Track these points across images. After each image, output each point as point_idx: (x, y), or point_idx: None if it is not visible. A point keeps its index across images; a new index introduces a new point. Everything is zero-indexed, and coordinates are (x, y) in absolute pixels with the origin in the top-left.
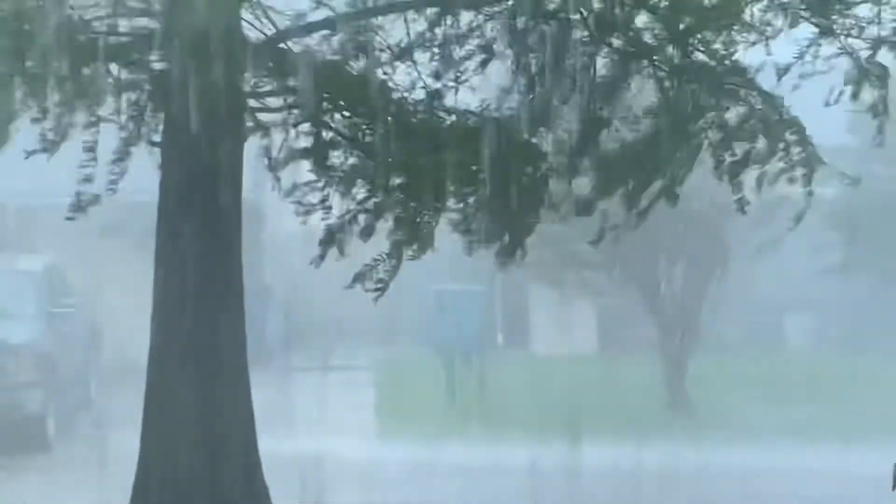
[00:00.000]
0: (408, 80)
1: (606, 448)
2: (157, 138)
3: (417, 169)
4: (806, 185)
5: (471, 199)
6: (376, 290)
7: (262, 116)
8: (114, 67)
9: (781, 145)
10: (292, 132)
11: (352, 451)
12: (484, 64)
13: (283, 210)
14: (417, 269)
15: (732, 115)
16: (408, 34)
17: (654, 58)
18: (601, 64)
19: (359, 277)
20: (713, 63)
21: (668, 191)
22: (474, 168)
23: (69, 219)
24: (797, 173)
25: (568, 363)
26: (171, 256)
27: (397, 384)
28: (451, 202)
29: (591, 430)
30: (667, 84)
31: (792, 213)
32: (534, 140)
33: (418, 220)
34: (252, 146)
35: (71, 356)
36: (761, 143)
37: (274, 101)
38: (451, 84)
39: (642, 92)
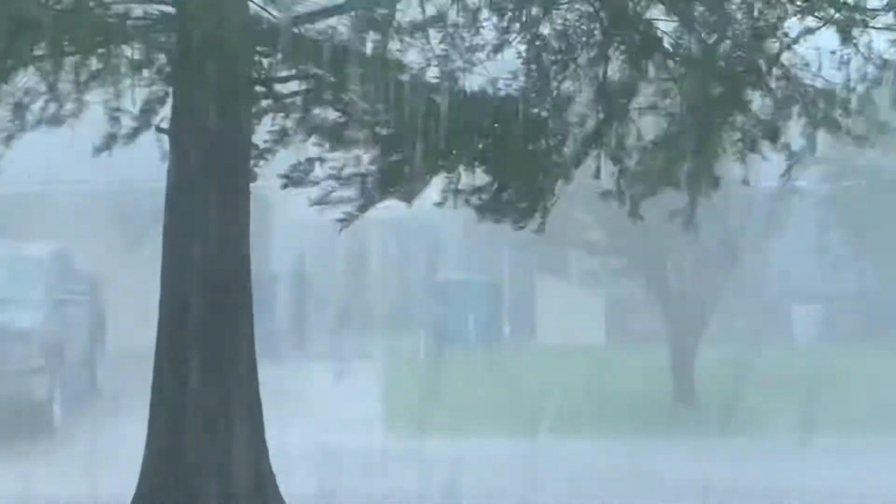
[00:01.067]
0: (422, 59)
1: (612, 439)
2: (165, 125)
3: (431, 146)
4: (864, 145)
5: (485, 168)
6: (341, 220)
7: (272, 102)
8: (124, 50)
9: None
10: (302, 116)
11: (358, 440)
12: (495, 50)
13: (290, 198)
14: (425, 259)
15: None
16: (423, 11)
17: (670, 51)
18: (617, 58)
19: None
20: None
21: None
22: (488, 143)
23: None
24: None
25: (575, 354)
26: (178, 243)
27: (404, 374)
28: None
29: (597, 422)
30: (683, 74)
31: (800, 204)
32: (547, 118)
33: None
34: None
35: (77, 342)
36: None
37: (282, 87)
38: (465, 65)
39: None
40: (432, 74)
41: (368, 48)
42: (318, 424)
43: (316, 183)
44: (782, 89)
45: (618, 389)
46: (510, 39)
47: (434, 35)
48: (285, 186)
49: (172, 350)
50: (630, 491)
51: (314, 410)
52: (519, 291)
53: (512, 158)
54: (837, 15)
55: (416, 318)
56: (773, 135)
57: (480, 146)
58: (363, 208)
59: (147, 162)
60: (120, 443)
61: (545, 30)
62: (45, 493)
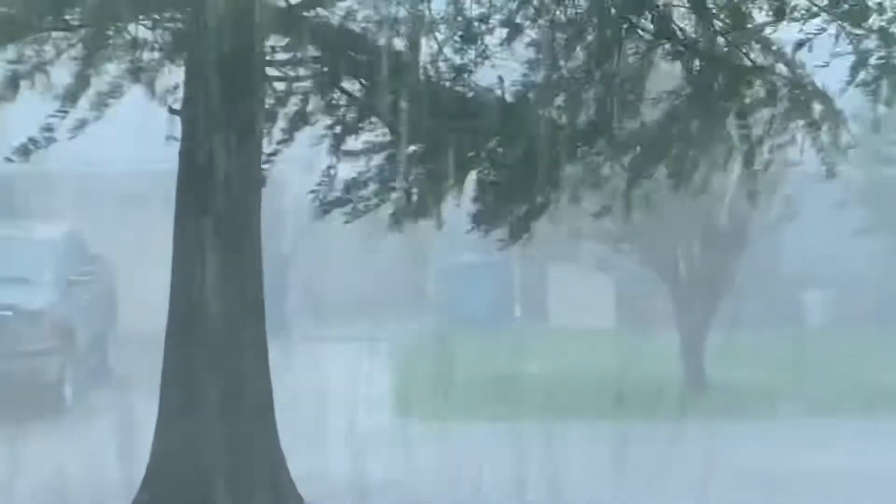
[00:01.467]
0: (430, 51)
1: (621, 423)
2: (177, 106)
3: (432, 140)
4: (834, 153)
5: (484, 175)
6: (347, 214)
7: (281, 85)
8: (134, 28)
9: (807, 117)
10: (310, 100)
11: (367, 422)
12: (508, 40)
13: (301, 179)
14: (435, 241)
15: (758, 91)
16: (429, 8)
17: (679, 39)
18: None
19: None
20: (738, 41)
21: (687, 173)
22: (489, 143)
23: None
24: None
25: (585, 337)
26: (189, 224)
27: (414, 356)
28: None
29: (607, 405)
30: (691, 64)
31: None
32: (553, 117)
33: (428, 191)
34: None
35: (89, 323)
36: (785, 116)
37: (292, 70)
38: (474, 58)
39: (666, 73)
40: (443, 70)
41: (382, 40)
42: (328, 406)
43: (346, 202)
44: (784, 86)
45: (628, 373)
46: (523, 26)
47: (445, 29)
48: (324, 212)
49: (183, 331)
50: (639, 474)
51: (324, 392)
52: (530, 274)
53: (518, 158)
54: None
55: (427, 301)
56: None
57: (489, 147)
58: (397, 223)
59: (159, 144)
60: (131, 423)
61: (558, 17)
62: (56, 474)
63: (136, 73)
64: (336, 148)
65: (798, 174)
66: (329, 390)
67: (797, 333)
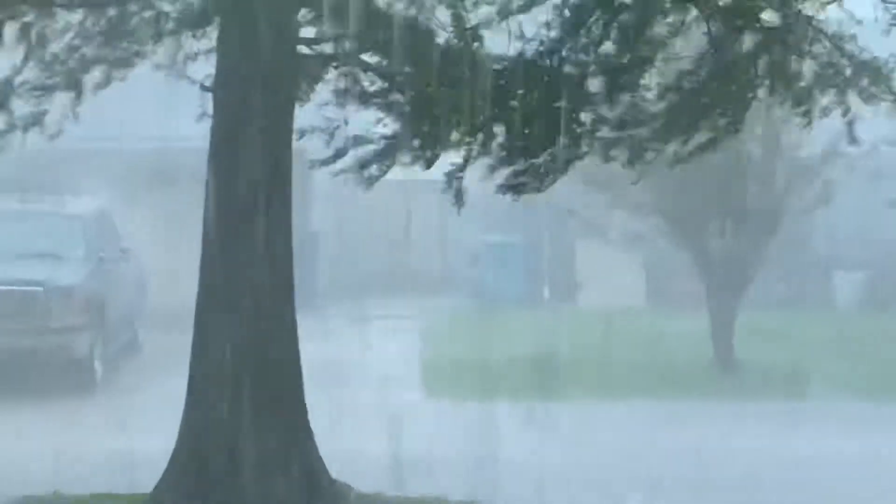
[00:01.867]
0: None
1: (650, 402)
2: (208, 83)
3: (453, 106)
4: None
5: (500, 132)
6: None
7: (311, 62)
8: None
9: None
10: (338, 76)
11: (397, 400)
12: (527, 6)
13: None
14: (465, 220)
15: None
16: None
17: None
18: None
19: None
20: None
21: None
22: (509, 105)
23: None
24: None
25: (615, 317)
26: (219, 203)
27: (443, 335)
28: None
29: (636, 385)
30: (714, 29)
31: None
32: (571, 77)
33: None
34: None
35: (119, 300)
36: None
37: (321, 47)
38: (492, 20)
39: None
40: (460, 33)
41: (400, 9)
42: (358, 384)
43: (342, 155)
44: (818, 54)
45: (657, 352)
46: None
47: None
48: (312, 167)
49: (213, 309)
50: (667, 454)
51: (354, 370)
52: (559, 254)
53: (537, 119)
54: None
55: (456, 280)
56: (800, 101)
57: (509, 108)
58: (384, 169)
59: (190, 121)
60: (160, 400)
61: None
62: (86, 450)
63: (160, 41)
64: (343, 105)
65: (832, 154)
66: (359, 368)
67: (828, 314)
